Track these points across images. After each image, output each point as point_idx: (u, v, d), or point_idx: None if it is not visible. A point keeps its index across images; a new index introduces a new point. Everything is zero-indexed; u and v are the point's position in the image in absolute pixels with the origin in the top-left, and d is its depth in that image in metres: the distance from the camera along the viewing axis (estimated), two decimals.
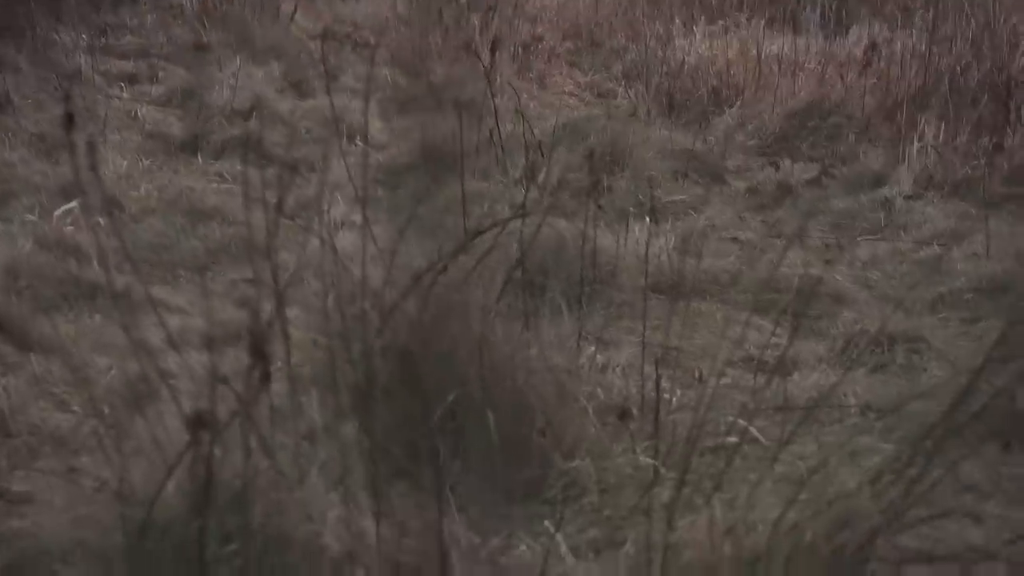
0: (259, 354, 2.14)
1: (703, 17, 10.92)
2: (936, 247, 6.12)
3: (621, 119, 8.30)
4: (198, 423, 2.04)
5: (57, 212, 5.58)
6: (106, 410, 3.61)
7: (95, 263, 5.13)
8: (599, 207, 5.03)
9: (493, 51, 6.32)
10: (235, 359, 2.47)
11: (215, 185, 6.67)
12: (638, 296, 4.09)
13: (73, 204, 5.64)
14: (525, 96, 8.18)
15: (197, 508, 2.46)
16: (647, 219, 5.68)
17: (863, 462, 2.96)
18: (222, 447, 2.47)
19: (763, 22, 10.53)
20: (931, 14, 9.33)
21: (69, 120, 2.69)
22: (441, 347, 3.40)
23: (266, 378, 2.21)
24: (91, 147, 5.65)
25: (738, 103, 8.88)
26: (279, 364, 2.71)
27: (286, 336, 2.71)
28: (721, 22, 10.65)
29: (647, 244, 4.46)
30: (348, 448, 2.74)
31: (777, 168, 7.63)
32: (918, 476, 2.78)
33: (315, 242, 4.15)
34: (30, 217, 5.63)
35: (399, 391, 3.29)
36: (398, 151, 7.60)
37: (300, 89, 9.07)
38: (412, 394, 3.28)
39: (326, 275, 3.66)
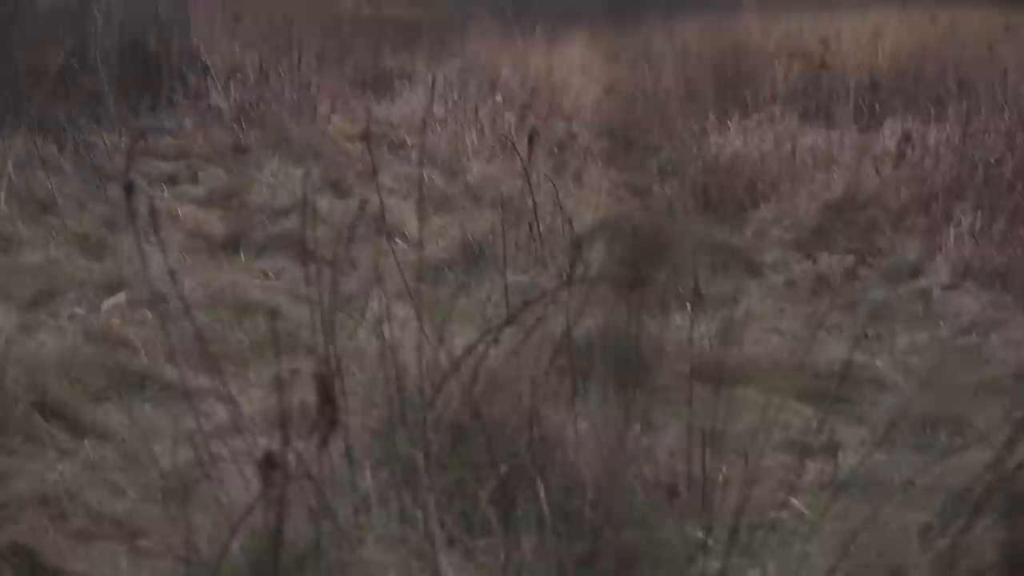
0: (322, 421, 2.23)
1: (737, 112, 11.05)
2: (975, 335, 6.17)
3: (658, 214, 8.43)
4: (268, 470, 2.12)
5: (105, 305, 5.70)
6: (161, 494, 3.70)
7: (143, 354, 5.25)
8: (640, 297, 5.13)
9: (531, 145, 6.40)
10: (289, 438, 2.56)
11: (258, 281, 6.78)
12: (681, 381, 4.16)
13: (120, 298, 5.77)
14: (562, 193, 8.30)
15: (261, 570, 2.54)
16: (688, 308, 5.77)
17: (907, 530, 3.03)
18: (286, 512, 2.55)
19: (797, 116, 10.66)
20: (964, 107, 9.45)
21: (130, 204, 2.77)
22: (491, 420, 3.48)
23: (325, 445, 2.30)
24: (136, 245, 5.80)
25: (774, 197, 8.95)
26: (336, 439, 2.79)
27: (342, 412, 2.79)
28: (755, 116, 10.76)
29: (690, 331, 4.55)
30: (403, 519, 2.82)
31: (814, 261, 7.69)
32: (960, 538, 2.85)
33: (361, 332, 4.27)
34: (78, 311, 5.74)
35: (451, 463, 3.38)
36: (437, 247, 7.69)
37: (338, 188, 9.21)
38: (464, 466, 3.36)
39: (375, 358, 3.77)
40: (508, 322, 3.35)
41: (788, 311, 6.55)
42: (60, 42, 9.57)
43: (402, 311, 4.49)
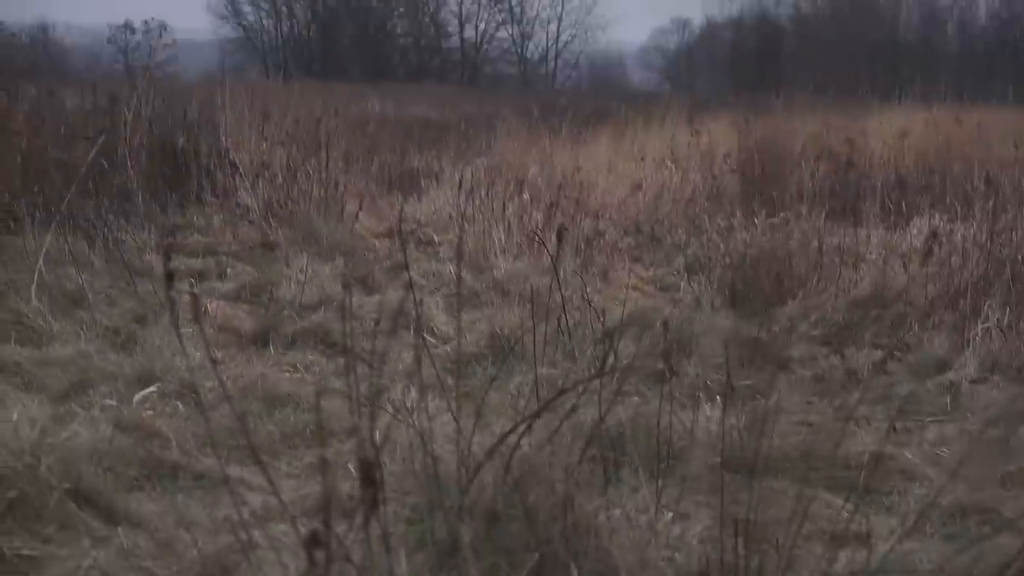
0: (364, 501, 2.26)
1: (764, 210, 11.11)
2: (1002, 427, 6.17)
3: (685, 309, 8.48)
4: (313, 549, 2.14)
5: (137, 397, 5.75)
6: None
7: (175, 445, 5.29)
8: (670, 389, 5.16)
9: (559, 241, 6.46)
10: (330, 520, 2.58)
11: (288, 374, 6.82)
12: (711, 471, 4.19)
13: (152, 389, 5.82)
14: (589, 289, 8.36)
15: None
16: (717, 400, 5.82)
17: None
18: None
19: (824, 214, 10.71)
20: (990, 204, 9.48)
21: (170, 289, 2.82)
22: (526, 507, 3.50)
23: (367, 525, 2.33)
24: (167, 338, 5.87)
25: (801, 293, 8.98)
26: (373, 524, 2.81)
27: (378, 499, 2.82)
28: (782, 214, 10.82)
29: (720, 422, 4.58)
30: None
31: (842, 356, 7.71)
32: None
33: (392, 423, 4.30)
34: (109, 402, 5.79)
35: (486, 549, 3.40)
36: (465, 342, 7.74)
37: (366, 284, 9.29)
38: (498, 552, 3.38)
39: (407, 448, 3.80)
40: (541, 410, 3.39)
41: (817, 404, 6.56)
42: (90, 140, 9.70)
43: (432, 403, 4.52)
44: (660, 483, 4.16)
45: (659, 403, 4.77)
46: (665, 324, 5.07)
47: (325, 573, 2.21)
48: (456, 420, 3.78)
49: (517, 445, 3.43)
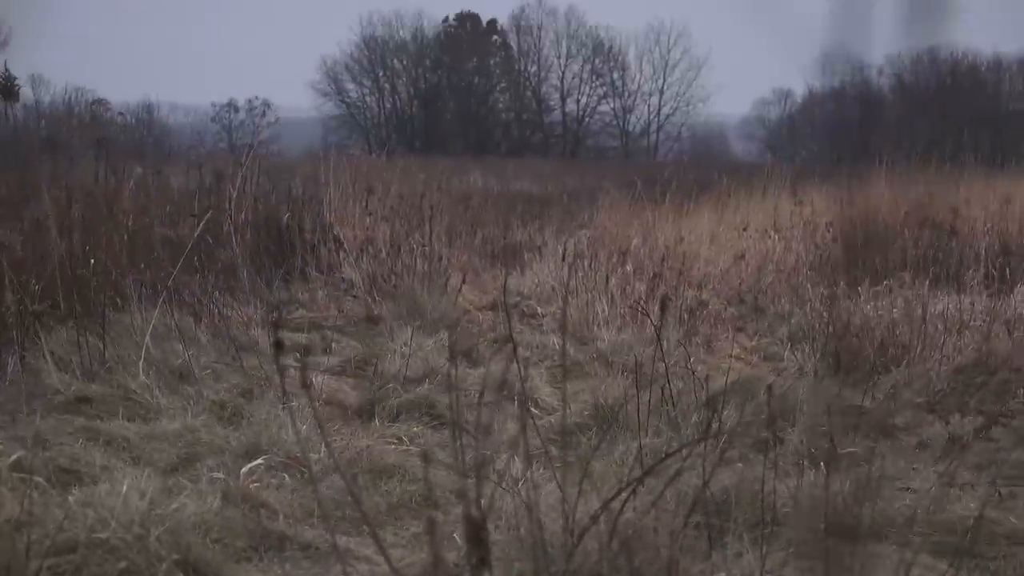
0: (474, 562, 2.30)
1: (867, 279, 11.06)
2: None
3: (789, 378, 8.46)
4: None
5: (244, 469, 5.81)
6: None
7: (282, 516, 5.35)
8: (774, 455, 5.16)
9: (662, 312, 6.49)
10: None
11: (392, 446, 6.87)
12: (815, 536, 4.17)
13: (259, 462, 5.89)
14: (692, 359, 8.37)
15: None
16: (821, 466, 5.79)
17: None
18: None
19: (927, 282, 10.65)
20: None
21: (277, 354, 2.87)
22: (631, 571, 3.51)
23: None
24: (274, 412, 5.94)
25: (905, 361, 8.94)
26: None
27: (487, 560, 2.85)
28: (885, 282, 10.77)
29: (824, 488, 4.56)
30: None
31: (946, 423, 7.65)
32: None
33: (495, 491, 4.33)
34: (217, 475, 5.86)
35: None
36: (569, 412, 7.77)
37: (470, 357, 9.34)
38: None
39: (511, 516, 3.84)
40: (645, 475, 3.41)
41: (920, 470, 6.51)
42: (195, 218, 9.86)
43: (537, 473, 4.55)
44: (764, 549, 4.15)
45: (763, 469, 4.79)
46: (769, 391, 5.04)
47: None
48: (561, 488, 3.80)
49: (621, 510, 3.45)
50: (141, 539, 4.48)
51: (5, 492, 4.71)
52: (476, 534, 2.30)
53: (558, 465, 4.93)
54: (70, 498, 4.88)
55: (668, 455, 3.44)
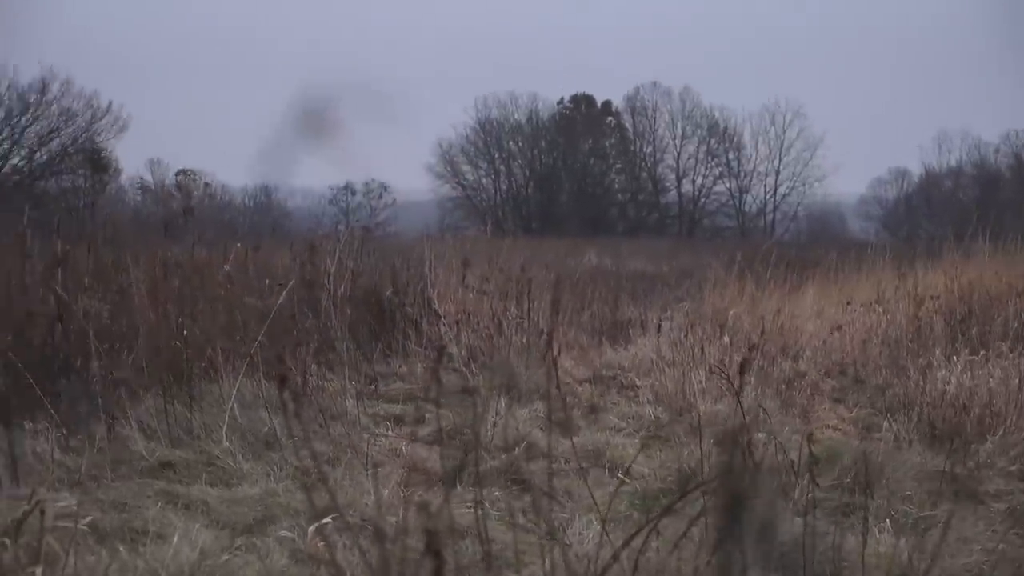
0: None
1: (966, 348, 10.96)
2: None
3: (882, 446, 8.39)
4: None
5: (311, 528, 5.85)
6: None
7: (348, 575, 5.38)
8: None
9: (741, 375, 6.47)
10: None
11: (471, 510, 6.89)
12: None
13: (327, 520, 5.92)
14: (787, 429, 8.36)
15: None
16: (887, 524, 5.76)
17: None
18: None
19: None
20: None
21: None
22: None
23: None
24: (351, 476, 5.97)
25: (1001, 430, 8.84)
26: None
27: None
28: (982, 353, 10.67)
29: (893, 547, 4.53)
30: None
31: None
32: None
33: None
34: (287, 534, 5.91)
35: None
36: (655, 479, 7.79)
37: (564, 428, 9.34)
38: None
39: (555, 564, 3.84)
40: (663, 514, 3.40)
41: (1003, 534, 6.42)
42: (281, 287, 9.98)
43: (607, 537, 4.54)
44: None
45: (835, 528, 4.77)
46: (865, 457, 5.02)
47: None
48: (606, 533, 3.80)
49: (642, 549, 3.45)
50: None
51: (58, 547, 4.76)
52: (435, 546, 2.35)
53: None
54: (121, 548, 4.94)
55: (683, 494, 3.43)
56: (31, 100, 62.65)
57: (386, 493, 7.01)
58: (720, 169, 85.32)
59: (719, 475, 2.53)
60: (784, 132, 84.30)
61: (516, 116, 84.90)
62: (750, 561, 3.92)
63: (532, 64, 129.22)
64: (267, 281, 11.16)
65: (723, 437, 6.46)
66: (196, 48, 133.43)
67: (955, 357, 10.60)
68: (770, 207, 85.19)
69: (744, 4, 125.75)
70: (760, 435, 7.41)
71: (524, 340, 12.35)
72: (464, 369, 11.54)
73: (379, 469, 7.64)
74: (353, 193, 75.07)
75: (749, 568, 3.91)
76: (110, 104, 63.62)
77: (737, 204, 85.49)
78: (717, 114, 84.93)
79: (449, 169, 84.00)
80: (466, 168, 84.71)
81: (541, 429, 8.96)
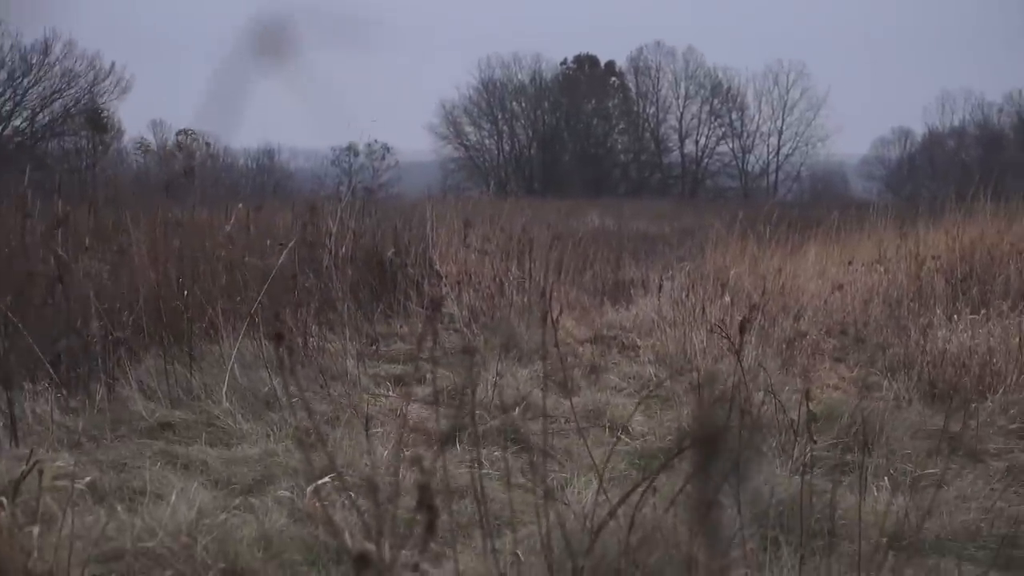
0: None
1: (967, 309, 10.96)
2: None
3: (882, 405, 8.39)
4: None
5: (310, 488, 5.86)
6: None
7: (346, 534, 5.38)
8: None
9: (741, 334, 6.46)
10: None
11: (470, 469, 6.89)
12: (876, 549, 4.13)
13: (326, 480, 5.92)
14: (787, 388, 8.36)
15: None
16: (885, 482, 5.76)
17: None
18: None
19: None
20: None
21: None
22: (648, 567, 3.50)
23: None
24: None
25: (1001, 389, 8.84)
26: None
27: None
28: (983, 311, 10.67)
29: (887, 504, 4.53)
30: None
31: None
32: None
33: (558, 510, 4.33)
34: (285, 494, 5.92)
35: None
36: (654, 438, 7.80)
37: (564, 388, 9.33)
38: None
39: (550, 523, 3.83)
40: (659, 471, 3.39)
41: (1001, 492, 6.42)
42: (282, 247, 9.97)
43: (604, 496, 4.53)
44: (803, 553, 4.12)
45: (832, 486, 4.77)
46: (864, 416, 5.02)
47: None
48: (605, 493, 3.79)
49: (638, 506, 3.44)
50: (188, 548, 4.54)
51: (55, 506, 4.76)
52: (427, 500, 2.35)
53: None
54: (119, 508, 4.95)
55: (679, 451, 3.42)
56: (33, 61, 62.61)
57: (385, 453, 7.01)
58: (723, 129, 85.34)
59: (698, 429, 2.50)
60: (787, 92, 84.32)
61: (520, 77, 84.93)
62: (728, 516, 3.93)
63: (535, 25, 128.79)
64: (268, 241, 11.14)
65: (707, 394, 6.48)
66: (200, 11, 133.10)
67: (956, 316, 10.62)
68: (773, 167, 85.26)
69: None
70: (760, 394, 7.40)
71: (525, 300, 12.34)
72: (465, 329, 11.53)
73: (379, 429, 7.62)
74: (356, 154, 74.85)
75: (728, 523, 3.92)
76: (112, 65, 63.57)
77: (740, 164, 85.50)
78: (720, 74, 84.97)
79: (452, 130, 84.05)
80: (469, 129, 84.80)
81: (541, 389, 8.96)
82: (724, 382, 8.54)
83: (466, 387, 8.98)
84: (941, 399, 8.95)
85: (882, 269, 14.00)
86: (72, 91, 62.96)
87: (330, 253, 11.57)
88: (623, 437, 7.76)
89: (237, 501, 5.71)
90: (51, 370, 7.77)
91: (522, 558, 4.55)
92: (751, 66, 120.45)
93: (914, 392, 9.11)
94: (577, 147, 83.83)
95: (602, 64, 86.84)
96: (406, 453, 7.12)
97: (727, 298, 12.31)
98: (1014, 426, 8.15)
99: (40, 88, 62.87)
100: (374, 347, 10.74)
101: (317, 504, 5.64)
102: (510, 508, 5.16)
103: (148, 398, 7.98)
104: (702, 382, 8.06)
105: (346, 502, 5.82)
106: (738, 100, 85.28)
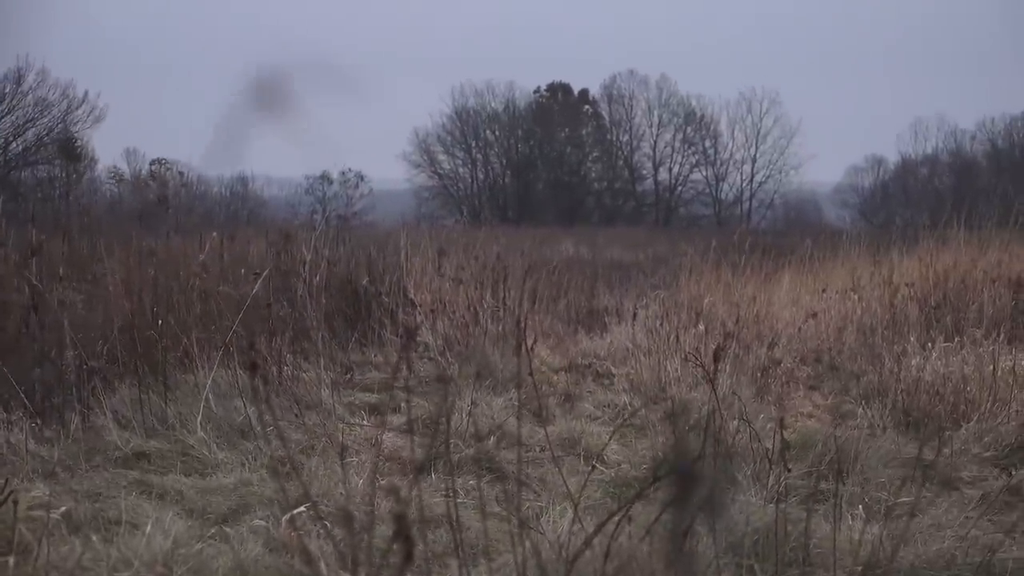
0: None
1: (940, 337, 11.02)
2: None
3: (856, 433, 8.43)
4: None
5: (285, 517, 5.86)
6: None
7: (321, 563, 5.38)
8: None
9: (715, 362, 6.51)
10: None
11: (445, 498, 6.90)
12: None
13: (301, 509, 5.92)
14: (762, 416, 8.39)
15: None
16: (859, 510, 5.79)
17: None
18: None
19: (1001, 339, 10.61)
20: None
21: None
22: None
23: None
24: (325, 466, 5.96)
25: (975, 416, 8.88)
26: None
27: None
28: (957, 340, 10.73)
29: (861, 532, 4.56)
30: None
31: (1010, 474, 7.65)
32: None
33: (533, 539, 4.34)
34: (260, 523, 5.93)
35: None
36: (629, 466, 7.82)
37: (539, 416, 9.35)
38: None
39: (526, 552, 3.85)
40: (634, 500, 3.42)
41: (975, 520, 6.45)
42: (256, 276, 9.98)
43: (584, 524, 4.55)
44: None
45: (807, 515, 4.80)
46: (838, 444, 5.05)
47: None
48: (580, 522, 3.81)
49: (614, 535, 3.46)
50: None
51: (30, 536, 4.76)
52: (404, 530, 2.37)
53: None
54: (94, 538, 4.94)
55: (654, 480, 3.44)
56: (6, 90, 62.49)
57: (360, 482, 7.01)
58: (697, 157, 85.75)
59: (671, 459, 2.52)
60: (761, 120, 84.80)
61: (493, 105, 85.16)
62: (704, 545, 3.95)
63: (508, 53, 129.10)
64: (242, 270, 11.14)
65: (681, 422, 6.51)
66: (170, 39, 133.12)
67: (930, 344, 10.66)
68: (746, 195, 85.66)
69: None
70: (734, 422, 7.43)
71: (500, 329, 12.37)
72: (440, 358, 11.55)
73: (353, 458, 7.63)
74: (330, 182, 74.94)
75: (704, 552, 3.94)
76: (86, 94, 63.53)
77: (713, 192, 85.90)
78: (694, 102, 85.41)
79: (426, 158, 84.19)
80: (443, 157, 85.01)
81: (516, 418, 8.98)
82: (699, 411, 8.61)
83: (440, 416, 9.03)
84: (915, 427, 9.00)
85: (856, 297, 14.05)
86: (45, 120, 62.96)
87: (304, 282, 11.59)
88: (598, 466, 7.77)
89: (212, 531, 5.71)
90: (25, 400, 7.76)
91: None
92: (724, 94, 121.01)
93: (888, 420, 9.14)
94: (551, 175, 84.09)
95: (575, 92, 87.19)
96: (381, 482, 7.14)
97: (701, 326, 12.34)
98: (988, 454, 8.18)
99: (13, 117, 62.82)
100: (348, 376, 10.75)
101: (292, 534, 5.64)
102: (485, 537, 5.19)
103: (123, 428, 7.98)
104: (676, 411, 8.13)
105: (321, 532, 5.83)
106: (711, 128, 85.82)
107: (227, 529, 5.81)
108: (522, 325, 11.59)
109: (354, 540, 3.82)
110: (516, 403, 9.52)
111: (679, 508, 1.72)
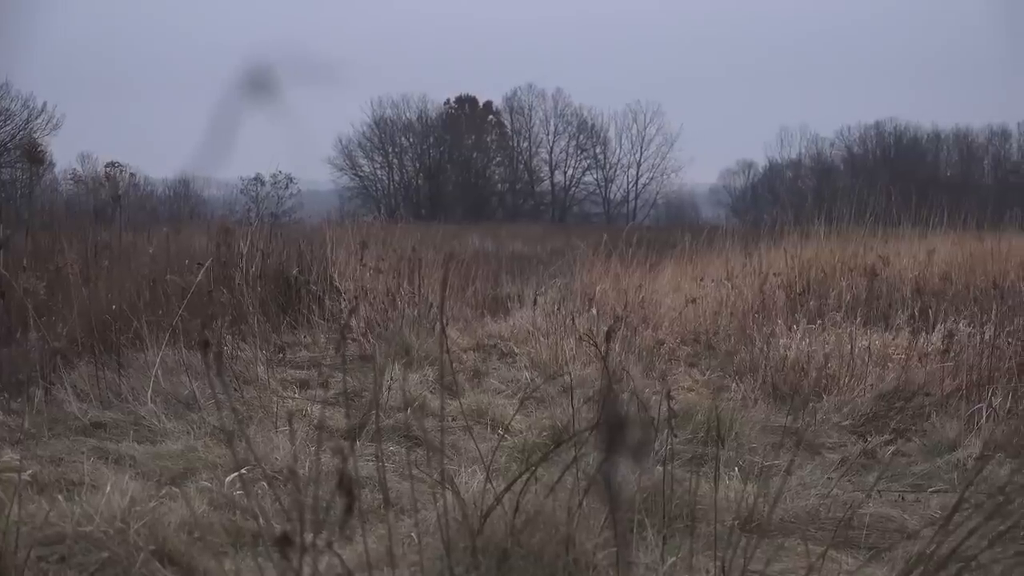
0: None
1: (804, 319, 11.17)
2: (1000, 496, 6.14)
3: (731, 404, 8.55)
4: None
5: (228, 479, 5.86)
6: None
7: (260, 519, 5.38)
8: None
9: (608, 341, 6.55)
10: None
11: (369, 462, 6.90)
12: (728, 531, 4.22)
13: (244, 471, 5.92)
14: (648, 390, 8.47)
15: None
16: (736, 471, 5.87)
17: None
18: None
19: (858, 321, 10.78)
20: (1003, 310, 9.56)
21: None
22: (532, 546, 3.56)
23: None
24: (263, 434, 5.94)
25: (835, 390, 9.03)
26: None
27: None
28: (819, 322, 10.87)
29: (741, 492, 4.62)
30: None
31: (866, 440, 7.81)
32: None
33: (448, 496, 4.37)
34: (206, 484, 5.93)
35: None
36: (531, 434, 7.85)
37: (451, 390, 9.37)
38: None
39: (443, 509, 3.87)
40: (541, 460, 3.45)
41: (837, 480, 6.57)
42: (200, 266, 9.96)
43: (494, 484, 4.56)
44: (665, 533, 4.20)
45: (691, 476, 4.86)
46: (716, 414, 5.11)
47: None
48: (490, 481, 3.84)
49: (522, 492, 3.50)
50: (122, 532, 4.53)
51: (3, 495, 4.74)
52: (347, 484, 2.39)
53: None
54: (59, 497, 4.94)
55: (558, 444, 3.48)
56: None
57: (293, 448, 7.01)
58: (588, 162, 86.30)
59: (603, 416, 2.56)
60: (645, 129, 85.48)
61: (408, 115, 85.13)
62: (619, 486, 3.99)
63: (422, 68, 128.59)
64: (187, 261, 11.10)
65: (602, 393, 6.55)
66: (127, 51, 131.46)
67: (795, 326, 10.83)
68: (632, 195, 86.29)
69: (613, 8, 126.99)
70: (624, 395, 7.48)
71: (416, 313, 12.39)
72: (362, 339, 11.54)
73: (286, 428, 7.64)
74: (262, 183, 74.32)
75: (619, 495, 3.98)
76: (44, 104, 62.75)
77: (603, 193, 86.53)
78: (586, 113, 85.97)
79: (348, 162, 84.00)
80: (363, 161, 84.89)
81: (431, 392, 9.01)
82: (592, 385, 8.68)
83: (366, 389, 9.05)
84: (783, 399, 9.12)
85: (730, 285, 14.17)
86: (8, 128, 62.10)
87: (242, 272, 11.58)
88: (504, 435, 7.80)
89: (164, 491, 5.69)
90: None
91: (420, 540, 4.58)
92: (613, 106, 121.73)
93: (759, 393, 9.27)
94: (459, 177, 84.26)
95: (481, 104, 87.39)
96: (314, 447, 7.15)
97: (594, 311, 12.42)
98: (847, 423, 8.34)
99: None
100: (281, 355, 10.71)
101: (238, 492, 5.65)
102: (412, 495, 5.21)
103: (81, 400, 7.98)
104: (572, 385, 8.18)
105: (259, 491, 5.84)
106: (601, 136, 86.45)
107: (176, 489, 5.80)
108: (440, 309, 11.59)
109: (300, 495, 3.83)
110: (431, 379, 9.56)
111: (611, 451, 1.75)
